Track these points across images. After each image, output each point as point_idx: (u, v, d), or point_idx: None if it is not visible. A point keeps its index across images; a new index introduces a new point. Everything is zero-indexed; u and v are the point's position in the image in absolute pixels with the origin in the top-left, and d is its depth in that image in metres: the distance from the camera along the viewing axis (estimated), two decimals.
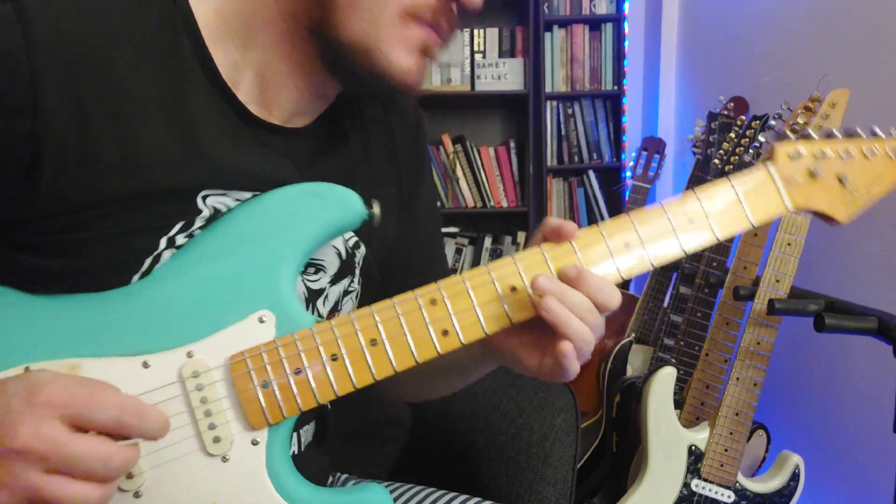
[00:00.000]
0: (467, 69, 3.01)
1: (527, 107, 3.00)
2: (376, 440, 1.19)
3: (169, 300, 0.64)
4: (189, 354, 0.63)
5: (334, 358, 0.64)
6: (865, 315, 1.16)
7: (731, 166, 1.74)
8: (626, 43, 3.01)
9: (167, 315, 0.64)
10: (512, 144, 3.11)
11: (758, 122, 1.74)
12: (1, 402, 0.54)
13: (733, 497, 1.53)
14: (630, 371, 2.02)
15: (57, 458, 0.53)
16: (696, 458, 1.53)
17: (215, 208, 0.67)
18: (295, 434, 0.76)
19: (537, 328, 0.66)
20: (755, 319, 1.47)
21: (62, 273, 0.62)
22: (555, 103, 3.07)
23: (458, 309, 0.65)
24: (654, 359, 1.93)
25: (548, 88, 3.02)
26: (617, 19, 3.03)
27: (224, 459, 0.63)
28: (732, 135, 1.76)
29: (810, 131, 0.73)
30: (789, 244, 1.43)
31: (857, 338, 1.18)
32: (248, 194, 0.68)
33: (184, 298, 0.64)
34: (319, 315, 0.76)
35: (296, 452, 0.77)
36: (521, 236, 3.12)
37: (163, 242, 0.64)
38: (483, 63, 3.01)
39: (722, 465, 1.52)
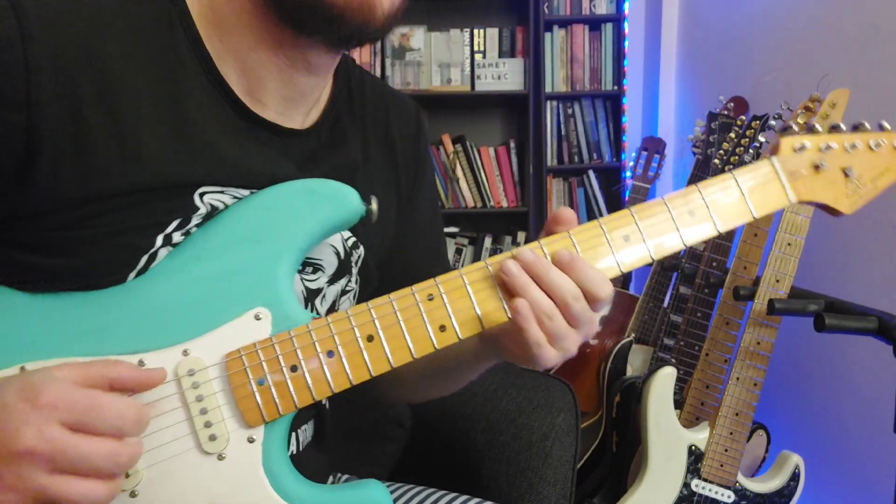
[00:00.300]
0: (467, 69, 3.01)
1: (527, 107, 3.00)
2: (376, 440, 1.19)
3: (165, 298, 0.64)
4: (185, 352, 0.63)
5: (330, 354, 0.64)
6: (865, 315, 1.16)
7: (731, 166, 1.74)
8: (626, 43, 3.01)
9: (163, 313, 0.63)
10: (512, 144, 3.11)
11: (758, 122, 1.73)
12: None
13: (733, 497, 1.52)
14: (630, 371, 2.01)
15: (64, 459, 0.53)
16: (696, 458, 1.53)
17: (212, 205, 0.66)
18: (294, 434, 0.76)
19: None
20: (755, 319, 1.47)
21: (58, 271, 0.62)
22: (555, 103, 3.07)
23: (455, 304, 0.65)
24: (654, 359, 1.93)
25: (548, 88, 3.02)
26: (617, 19, 3.03)
27: (220, 457, 0.63)
28: (732, 135, 1.76)
29: (815, 124, 0.73)
30: (789, 244, 1.42)
31: (857, 338, 1.18)
32: (245, 191, 0.68)
33: (180, 296, 0.64)
34: (317, 314, 0.75)
35: (295, 452, 0.76)
36: (521, 236, 3.12)
37: (159, 240, 0.64)
38: (483, 63, 3.01)
39: (722, 465, 1.52)
